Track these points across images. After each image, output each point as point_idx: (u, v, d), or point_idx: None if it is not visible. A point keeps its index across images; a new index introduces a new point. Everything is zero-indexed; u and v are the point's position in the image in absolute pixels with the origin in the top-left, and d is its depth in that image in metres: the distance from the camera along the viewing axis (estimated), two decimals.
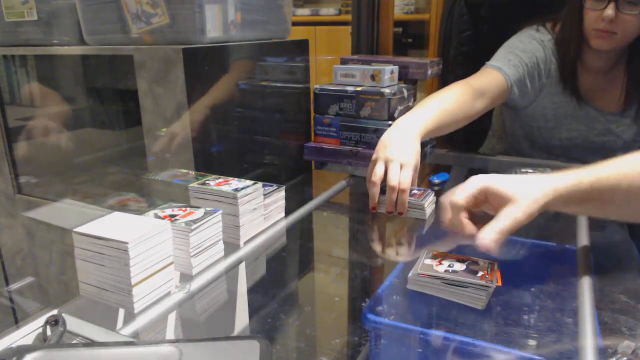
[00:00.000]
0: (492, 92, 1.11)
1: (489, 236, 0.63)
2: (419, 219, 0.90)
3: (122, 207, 1.01)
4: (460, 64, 1.51)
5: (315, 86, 1.13)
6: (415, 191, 0.93)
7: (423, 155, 1.23)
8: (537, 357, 0.52)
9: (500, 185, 0.67)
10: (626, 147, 1.21)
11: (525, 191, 0.65)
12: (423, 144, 1.23)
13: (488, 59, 1.19)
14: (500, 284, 0.66)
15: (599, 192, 0.65)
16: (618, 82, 1.16)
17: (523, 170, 0.99)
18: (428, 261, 0.68)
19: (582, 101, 1.17)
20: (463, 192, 0.71)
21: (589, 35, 1.08)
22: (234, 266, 0.75)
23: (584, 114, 1.18)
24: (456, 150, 1.32)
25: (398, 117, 1.08)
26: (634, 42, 1.08)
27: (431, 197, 0.93)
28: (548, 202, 0.65)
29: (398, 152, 0.89)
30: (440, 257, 0.70)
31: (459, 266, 0.67)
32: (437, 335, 0.56)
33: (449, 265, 0.67)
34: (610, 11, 1.01)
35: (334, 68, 1.14)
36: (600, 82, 1.17)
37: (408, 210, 0.88)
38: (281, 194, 0.88)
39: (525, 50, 1.15)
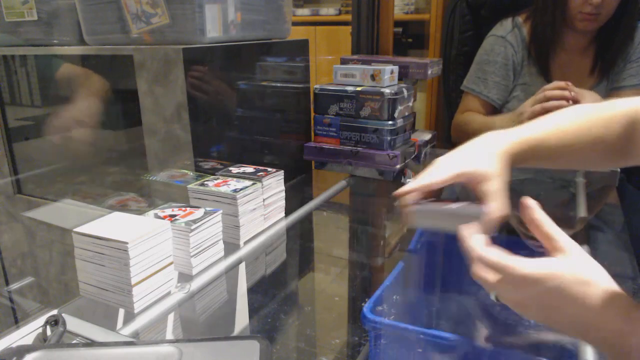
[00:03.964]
0: (481, 112, 1.29)
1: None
2: None
3: (122, 207, 1.01)
4: (461, 63, 1.51)
5: (315, 86, 1.13)
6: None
7: (423, 155, 1.23)
8: (537, 357, 0.52)
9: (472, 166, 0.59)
10: None
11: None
12: (425, 143, 1.23)
13: None
14: None
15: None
16: (591, 59, 1.24)
17: None
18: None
19: (550, 78, 1.24)
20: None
21: (574, 18, 1.15)
22: (234, 266, 0.75)
23: None
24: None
25: (398, 117, 1.08)
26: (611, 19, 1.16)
27: None
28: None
29: None
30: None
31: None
32: (437, 335, 0.56)
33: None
34: None
35: (334, 68, 1.14)
36: (575, 60, 1.25)
37: None
38: (280, 187, 0.88)
39: (489, 62, 1.27)
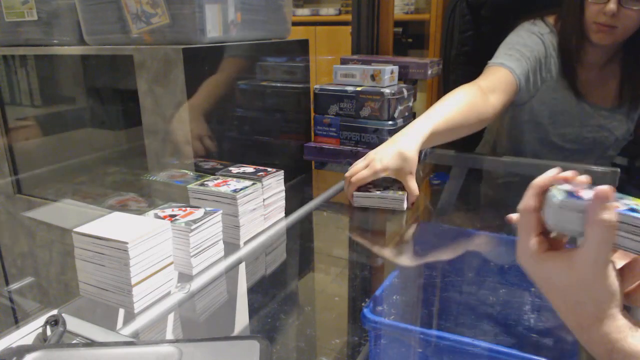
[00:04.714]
0: (502, 86, 1.09)
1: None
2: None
3: (122, 207, 1.01)
4: (461, 63, 1.51)
5: (315, 86, 1.13)
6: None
7: (423, 155, 1.23)
8: (537, 357, 0.52)
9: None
10: (618, 144, 1.22)
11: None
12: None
13: (489, 59, 1.18)
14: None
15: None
16: (613, 77, 1.17)
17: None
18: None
19: (579, 97, 1.17)
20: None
21: (589, 29, 1.08)
22: (234, 266, 0.75)
23: (579, 110, 1.18)
24: (455, 150, 1.32)
25: (398, 117, 1.08)
26: (630, 37, 1.09)
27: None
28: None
29: (377, 154, 0.94)
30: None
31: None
32: (437, 335, 0.56)
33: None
34: (612, 5, 1.01)
35: (334, 68, 1.14)
36: (596, 77, 1.17)
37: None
38: (280, 187, 0.88)
39: (525, 45, 1.14)
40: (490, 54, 1.22)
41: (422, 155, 1.22)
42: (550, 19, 1.19)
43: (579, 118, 1.19)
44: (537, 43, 1.14)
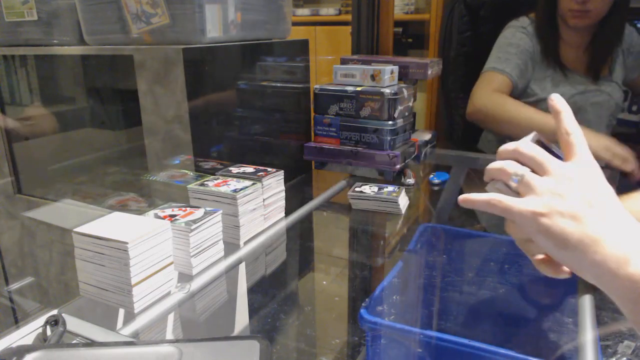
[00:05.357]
0: (502, 89, 1.25)
1: None
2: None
3: (122, 207, 1.01)
4: (460, 64, 1.51)
5: (315, 86, 1.13)
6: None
7: (423, 155, 1.23)
8: (536, 358, 0.52)
9: None
10: (617, 110, 1.33)
11: None
12: (425, 143, 1.23)
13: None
14: None
15: None
16: (593, 57, 1.28)
17: None
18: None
19: (568, 70, 1.28)
20: None
21: (566, 15, 1.20)
22: (234, 266, 0.75)
23: (572, 82, 1.27)
24: (456, 150, 1.32)
25: (398, 117, 1.08)
26: (604, 17, 1.21)
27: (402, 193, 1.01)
28: None
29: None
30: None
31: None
32: (434, 336, 0.56)
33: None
34: None
35: (334, 68, 1.14)
36: (583, 57, 1.28)
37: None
38: (280, 187, 0.88)
39: (511, 44, 1.27)
40: (488, 55, 1.24)
41: (423, 155, 1.22)
42: (533, 15, 1.30)
43: (576, 87, 1.27)
44: (521, 38, 1.27)
